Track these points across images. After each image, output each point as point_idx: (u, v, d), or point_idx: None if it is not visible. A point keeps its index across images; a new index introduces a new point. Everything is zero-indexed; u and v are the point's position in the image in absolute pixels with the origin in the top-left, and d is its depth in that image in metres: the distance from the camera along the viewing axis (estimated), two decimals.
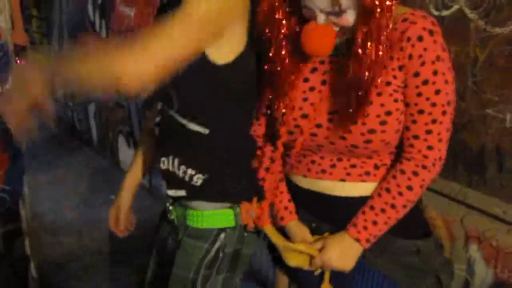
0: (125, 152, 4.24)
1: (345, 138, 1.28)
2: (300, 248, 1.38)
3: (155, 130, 1.56)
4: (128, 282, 2.71)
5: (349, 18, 1.19)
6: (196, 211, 1.44)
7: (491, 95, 1.71)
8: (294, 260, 1.40)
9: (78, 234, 3.40)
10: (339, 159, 1.34)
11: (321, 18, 1.19)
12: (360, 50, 1.18)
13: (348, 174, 1.34)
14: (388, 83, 1.23)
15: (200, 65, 1.28)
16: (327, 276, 1.38)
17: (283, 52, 1.30)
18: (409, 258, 1.36)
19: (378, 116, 1.23)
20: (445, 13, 1.77)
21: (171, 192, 1.47)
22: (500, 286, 1.84)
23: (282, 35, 1.29)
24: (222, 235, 1.42)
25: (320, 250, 1.35)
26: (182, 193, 1.45)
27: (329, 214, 1.39)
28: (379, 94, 1.23)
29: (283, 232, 1.45)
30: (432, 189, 1.86)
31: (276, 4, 1.27)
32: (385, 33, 1.18)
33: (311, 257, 1.37)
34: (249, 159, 1.48)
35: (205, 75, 1.32)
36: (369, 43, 1.18)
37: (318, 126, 1.31)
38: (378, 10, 1.16)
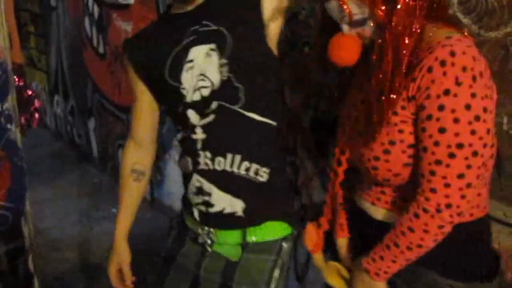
0: None
1: (361, 161, 1.29)
2: (337, 268, 1.44)
3: (132, 175, 1.62)
4: None
5: (367, 32, 1.18)
6: (254, 228, 1.44)
7: None
8: (331, 279, 1.44)
9: (81, 249, 3.41)
10: (375, 184, 1.34)
11: (345, 28, 1.19)
12: (375, 64, 1.16)
13: (378, 199, 1.34)
14: (395, 113, 1.18)
15: (265, 57, 1.37)
16: None
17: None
18: None
19: (382, 144, 1.20)
20: None
21: (218, 207, 1.45)
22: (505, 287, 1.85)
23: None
24: (285, 244, 1.44)
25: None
26: (239, 204, 1.44)
27: (366, 234, 1.40)
28: (386, 122, 1.19)
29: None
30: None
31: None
32: (404, 52, 1.13)
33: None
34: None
35: (269, 67, 1.40)
36: (385, 57, 1.14)
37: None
38: (388, 27, 1.13)
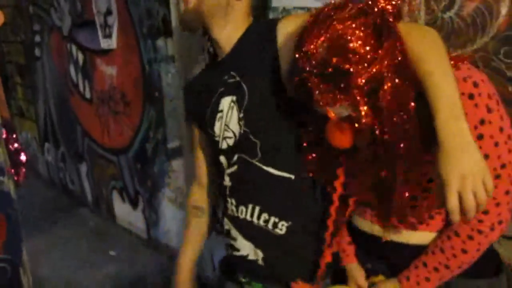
0: (120, 207, 4.26)
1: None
2: None
3: (193, 211, 1.65)
4: None
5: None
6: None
7: None
8: None
9: None
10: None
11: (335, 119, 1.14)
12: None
13: (400, 221, 1.31)
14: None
15: (281, 111, 1.30)
16: None
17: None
18: None
19: (419, 184, 1.21)
20: None
21: (249, 251, 1.47)
22: None
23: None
24: None
25: None
26: (259, 254, 1.45)
27: (382, 257, 1.40)
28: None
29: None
30: None
31: None
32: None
33: None
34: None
35: (287, 118, 1.32)
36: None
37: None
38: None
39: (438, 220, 1.29)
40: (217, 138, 1.46)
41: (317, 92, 1.04)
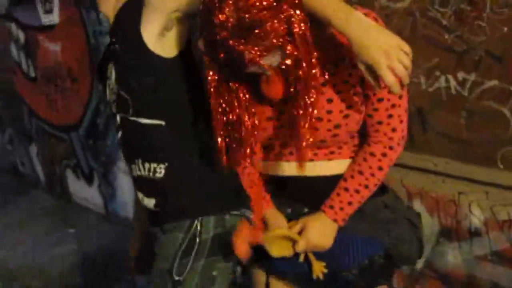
0: (74, 185, 4.24)
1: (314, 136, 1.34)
2: (282, 232, 1.43)
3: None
4: None
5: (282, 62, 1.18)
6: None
7: None
8: (276, 250, 1.44)
9: (41, 274, 3.36)
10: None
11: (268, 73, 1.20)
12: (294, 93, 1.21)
13: (315, 154, 1.42)
14: (346, 82, 1.30)
15: (143, 58, 1.35)
16: (312, 257, 1.45)
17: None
18: (380, 213, 1.47)
19: (341, 111, 1.31)
20: None
21: (147, 202, 1.50)
22: (445, 233, 2.03)
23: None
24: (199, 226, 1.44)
25: (300, 233, 1.41)
26: (151, 202, 1.49)
27: (303, 196, 1.47)
28: (339, 92, 1.30)
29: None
30: None
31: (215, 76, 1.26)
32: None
33: (293, 243, 1.42)
34: (207, 152, 1.47)
35: (154, 70, 1.37)
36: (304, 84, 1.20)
37: (282, 126, 1.36)
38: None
39: (346, 148, 1.42)
40: (110, 105, 1.52)
41: (246, 52, 1.11)
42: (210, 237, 1.44)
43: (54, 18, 3.63)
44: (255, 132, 1.31)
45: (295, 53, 1.14)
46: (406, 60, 1.13)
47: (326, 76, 1.30)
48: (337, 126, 1.33)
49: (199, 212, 1.44)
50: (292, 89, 1.21)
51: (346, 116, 1.32)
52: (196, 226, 1.43)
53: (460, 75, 1.77)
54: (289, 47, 1.13)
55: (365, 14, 1.20)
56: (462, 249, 1.99)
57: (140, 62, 1.37)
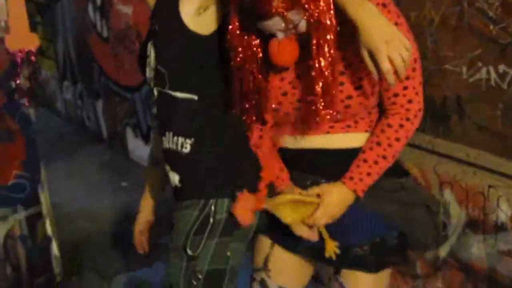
0: (133, 142, 4.47)
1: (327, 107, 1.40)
2: (295, 197, 1.46)
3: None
4: (139, 259, 2.91)
5: (302, 28, 1.28)
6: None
7: (447, 51, 1.91)
8: (290, 217, 1.47)
9: (93, 219, 3.63)
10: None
11: (280, 35, 1.29)
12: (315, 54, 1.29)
13: (331, 127, 1.47)
14: (357, 55, 1.32)
15: (186, 37, 1.45)
16: (326, 235, 1.49)
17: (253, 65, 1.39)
18: (396, 194, 1.50)
19: (352, 82, 1.37)
20: None
21: (172, 177, 1.56)
22: (471, 224, 2.04)
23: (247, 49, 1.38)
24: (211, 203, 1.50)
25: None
26: (176, 178, 1.55)
27: (319, 168, 1.51)
28: (350, 65, 1.36)
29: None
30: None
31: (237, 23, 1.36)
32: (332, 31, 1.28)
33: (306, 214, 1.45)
34: (232, 134, 1.55)
35: (190, 46, 1.47)
36: (323, 44, 1.28)
37: (299, 101, 1.42)
38: (324, 20, 1.27)
39: (363, 123, 1.46)
40: (149, 81, 1.61)
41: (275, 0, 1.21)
42: (224, 218, 1.49)
43: None
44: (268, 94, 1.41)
45: (316, 15, 1.24)
46: (405, 54, 1.21)
47: (339, 51, 1.35)
48: (349, 97, 1.38)
49: (213, 194, 1.51)
50: (306, 54, 1.29)
51: (358, 88, 1.38)
52: (210, 206, 1.50)
53: (501, 67, 1.77)
54: (312, 7, 1.23)
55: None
56: (486, 242, 1.99)
57: (178, 38, 1.46)
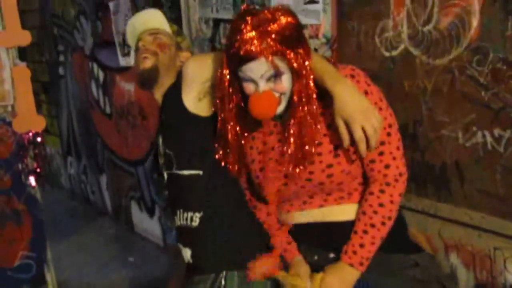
0: (138, 216, 4.47)
1: (311, 179, 1.47)
2: (300, 283, 1.50)
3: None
4: None
5: (285, 83, 1.38)
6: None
7: (442, 117, 1.96)
8: None
9: None
10: (313, 196, 1.52)
11: (261, 84, 1.37)
12: (297, 108, 1.39)
13: (325, 200, 1.52)
14: (330, 125, 1.42)
15: (183, 117, 1.60)
16: None
17: (231, 124, 1.50)
18: (410, 271, 1.50)
19: (330, 151, 1.43)
20: (394, 53, 2.05)
21: (184, 253, 1.65)
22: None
23: (230, 109, 1.49)
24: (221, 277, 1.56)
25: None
26: (188, 253, 1.63)
27: (324, 241, 1.54)
28: (325, 135, 1.44)
29: None
30: (409, 208, 2.08)
31: (226, 82, 1.47)
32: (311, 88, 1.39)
33: None
34: (241, 201, 1.65)
35: (193, 127, 1.62)
36: (303, 100, 1.38)
37: (286, 176, 1.50)
38: (304, 72, 1.37)
39: (357, 194, 1.51)
40: (161, 168, 1.74)
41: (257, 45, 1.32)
42: None
43: (130, 60, 3.93)
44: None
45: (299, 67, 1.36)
46: (377, 125, 1.31)
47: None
48: (329, 166, 1.43)
49: (224, 266, 1.56)
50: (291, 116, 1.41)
51: (336, 156, 1.43)
52: (220, 280, 1.55)
53: (496, 131, 1.81)
54: (296, 60, 1.36)
55: (352, 69, 1.42)
56: None
57: (182, 121, 1.61)
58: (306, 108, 1.39)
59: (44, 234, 2.69)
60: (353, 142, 1.38)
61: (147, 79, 1.71)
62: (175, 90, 1.65)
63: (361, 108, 1.31)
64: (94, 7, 4.43)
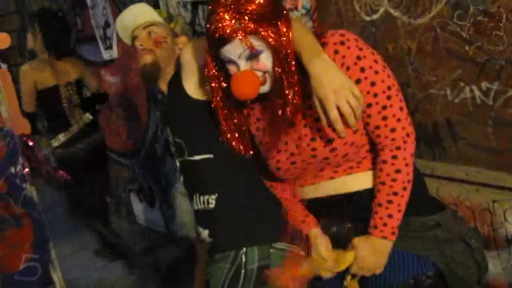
0: (138, 206, 4.47)
1: (315, 155, 1.46)
2: (333, 260, 1.51)
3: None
4: None
5: (265, 61, 1.36)
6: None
7: (429, 77, 1.95)
8: (325, 271, 1.52)
9: None
10: (323, 169, 1.52)
11: (242, 64, 1.36)
12: (280, 87, 1.38)
13: (335, 172, 1.51)
14: None
15: (192, 105, 1.65)
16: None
17: (218, 99, 1.51)
18: (432, 232, 1.47)
19: (329, 126, 1.38)
20: (374, 16, 2.03)
21: (203, 234, 1.68)
22: (483, 242, 2.02)
23: (218, 92, 1.50)
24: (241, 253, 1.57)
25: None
26: (206, 233, 1.67)
27: (340, 213, 1.54)
28: None
29: None
30: None
31: (211, 65, 1.47)
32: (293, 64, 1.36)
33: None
34: (251, 183, 1.66)
35: (197, 111, 1.65)
36: (285, 81, 1.37)
37: (292, 154, 1.49)
38: (282, 48, 1.34)
39: (366, 162, 1.49)
40: (175, 156, 1.76)
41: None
42: (256, 268, 1.55)
43: (113, 53, 3.90)
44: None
45: (276, 45, 1.35)
46: (354, 101, 1.28)
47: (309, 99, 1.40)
48: (330, 141, 1.42)
49: (243, 242, 1.58)
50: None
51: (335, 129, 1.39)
52: (241, 257, 1.56)
53: (484, 84, 1.81)
54: (272, 37, 1.34)
55: (341, 35, 1.37)
56: (501, 258, 1.99)
57: (186, 108, 1.65)
58: (286, 83, 1.37)
59: (45, 235, 2.68)
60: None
61: (149, 75, 1.76)
62: (176, 78, 1.70)
63: (335, 86, 1.28)
64: (71, 3, 4.38)
